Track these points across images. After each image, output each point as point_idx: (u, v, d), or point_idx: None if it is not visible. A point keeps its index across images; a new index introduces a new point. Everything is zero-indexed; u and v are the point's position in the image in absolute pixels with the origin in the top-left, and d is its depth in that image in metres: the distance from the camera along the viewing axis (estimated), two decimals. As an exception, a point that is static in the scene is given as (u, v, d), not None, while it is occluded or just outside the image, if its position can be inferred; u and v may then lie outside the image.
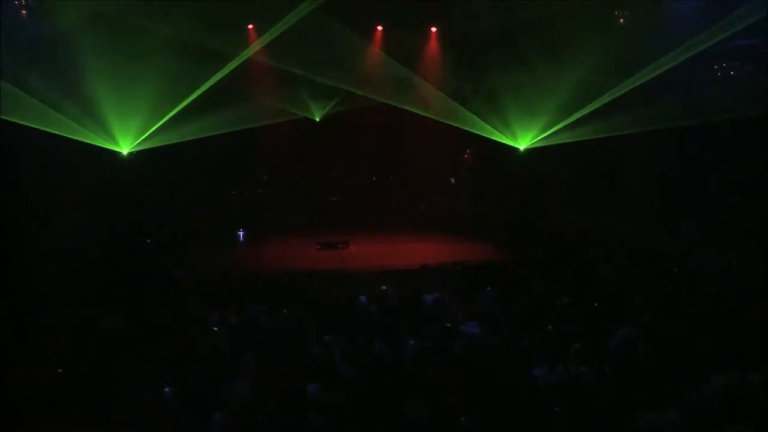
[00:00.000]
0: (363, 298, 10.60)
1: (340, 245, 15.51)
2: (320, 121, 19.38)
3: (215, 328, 8.90)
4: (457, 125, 16.97)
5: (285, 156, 18.53)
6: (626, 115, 14.33)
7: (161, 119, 14.59)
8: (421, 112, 17.40)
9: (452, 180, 18.12)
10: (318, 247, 15.49)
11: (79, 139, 13.64)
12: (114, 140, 14.29)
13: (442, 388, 6.92)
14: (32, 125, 12.75)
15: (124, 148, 14.51)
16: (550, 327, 8.79)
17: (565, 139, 15.17)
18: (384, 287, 11.15)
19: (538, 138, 15.91)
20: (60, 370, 7.78)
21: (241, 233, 16.83)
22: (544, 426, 6.43)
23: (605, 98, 14.43)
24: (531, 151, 16.27)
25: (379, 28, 17.86)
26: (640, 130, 14.02)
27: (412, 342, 8.37)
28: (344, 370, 7.51)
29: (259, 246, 16.10)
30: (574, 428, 6.48)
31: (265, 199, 18.86)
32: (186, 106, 15.25)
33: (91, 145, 13.91)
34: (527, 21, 14.68)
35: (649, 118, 13.87)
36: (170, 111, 14.68)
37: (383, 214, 17.98)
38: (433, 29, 17.99)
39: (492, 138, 16.51)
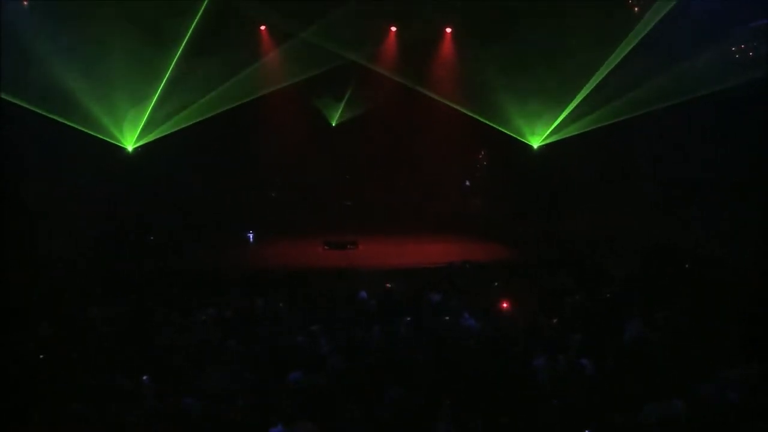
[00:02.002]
0: (363, 293, 10.32)
1: (348, 245, 15.16)
2: (336, 125, 19.26)
3: (204, 318, 8.63)
4: (471, 126, 16.75)
5: (300, 159, 18.38)
6: (634, 104, 13.94)
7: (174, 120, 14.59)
8: (432, 114, 17.35)
9: (467, 182, 17.72)
10: (325, 247, 15.14)
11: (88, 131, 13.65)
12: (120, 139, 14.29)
13: (428, 375, 6.54)
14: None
15: (129, 144, 14.48)
16: (555, 320, 8.32)
17: (579, 129, 14.77)
18: (388, 284, 10.87)
19: (550, 132, 15.53)
20: (41, 356, 7.55)
21: (250, 234, 16.61)
22: (539, 415, 5.97)
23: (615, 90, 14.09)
24: (544, 150, 15.87)
25: (393, 28, 17.73)
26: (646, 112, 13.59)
27: (405, 332, 8.02)
28: (330, 358, 7.18)
29: (269, 245, 15.89)
30: (577, 418, 6.02)
31: (279, 200, 18.69)
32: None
33: (97, 144, 13.87)
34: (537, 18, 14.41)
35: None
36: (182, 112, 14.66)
37: (396, 216, 17.63)
38: (448, 29, 17.80)
39: (507, 136, 16.16)
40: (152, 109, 14.42)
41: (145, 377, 6.78)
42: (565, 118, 15.28)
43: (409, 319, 8.58)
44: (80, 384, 6.84)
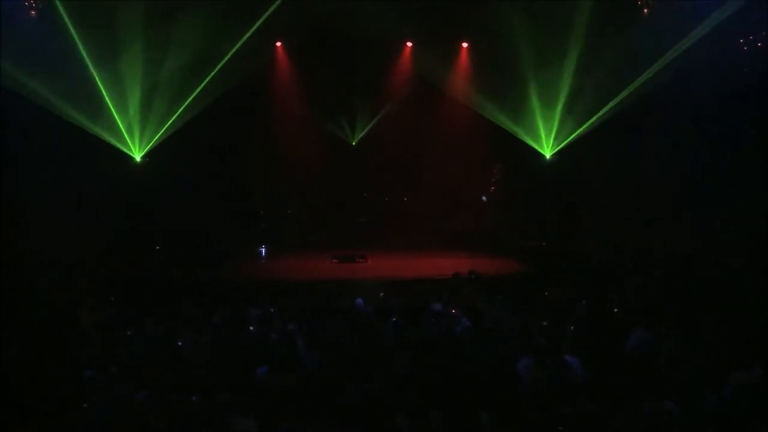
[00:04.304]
0: (360, 300, 10.02)
1: (358, 259, 14.94)
2: (356, 144, 19.19)
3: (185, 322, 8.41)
4: (487, 140, 16.53)
5: (319, 176, 18.32)
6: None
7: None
8: (449, 129, 17.34)
9: (483, 197, 17.35)
10: (334, 260, 14.94)
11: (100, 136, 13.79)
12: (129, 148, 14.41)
13: (400, 372, 6.16)
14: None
15: (137, 154, 14.56)
16: (545, 323, 7.86)
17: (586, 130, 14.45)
18: (381, 293, 10.56)
19: (561, 140, 15.21)
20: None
21: (263, 249, 16.51)
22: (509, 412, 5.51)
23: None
24: (556, 159, 15.49)
25: (409, 44, 17.68)
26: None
27: (390, 334, 7.66)
28: (305, 356, 6.86)
29: (278, 259, 15.74)
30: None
31: (294, 216, 18.61)
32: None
33: (106, 151, 13.96)
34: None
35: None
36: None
37: (410, 232, 17.39)
38: (464, 44, 17.66)
39: (521, 149, 15.86)
40: (164, 117, 14.51)
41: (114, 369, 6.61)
42: (573, 123, 14.98)
43: (394, 319, 8.22)
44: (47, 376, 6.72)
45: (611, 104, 14.18)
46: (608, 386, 6.31)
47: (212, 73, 14.75)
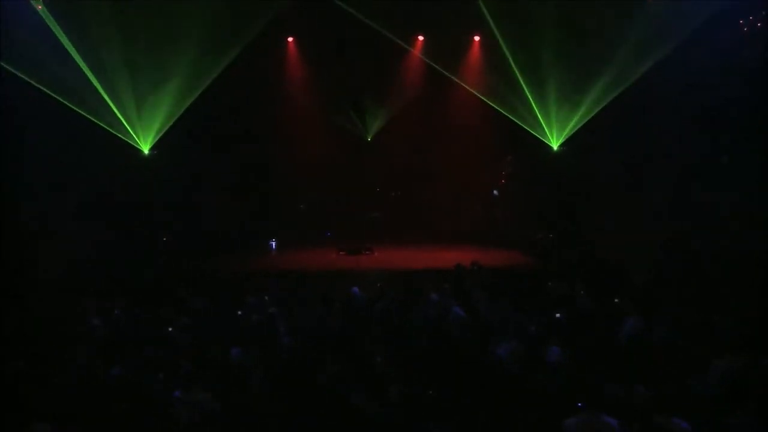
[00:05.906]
0: (356, 289, 10.02)
1: (364, 251, 14.96)
2: (371, 140, 19.15)
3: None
4: (498, 133, 16.38)
5: (333, 172, 18.34)
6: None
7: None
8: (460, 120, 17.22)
9: (495, 192, 17.18)
10: (341, 252, 14.98)
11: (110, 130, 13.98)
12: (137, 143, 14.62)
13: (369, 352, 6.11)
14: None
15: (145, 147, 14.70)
16: (527, 308, 7.73)
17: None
18: (379, 284, 10.52)
19: (568, 130, 15.01)
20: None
21: (273, 242, 16.61)
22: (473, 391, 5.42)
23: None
24: (564, 151, 15.26)
25: (420, 38, 17.59)
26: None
27: (378, 319, 7.63)
28: (283, 338, 6.85)
29: (287, 251, 15.93)
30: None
31: (306, 211, 18.66)
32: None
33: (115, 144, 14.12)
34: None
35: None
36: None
37: (420, 226, 17.29)
38: (476, 38, 17.52)
39: (529, 142, 15.65)
40: (173, 111, 14.59)
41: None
42: (579, 115, 14.76)
43: (380, 306, 8.16)
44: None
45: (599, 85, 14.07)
46: (587, 372, 6.18)
47: (222, 66, 14.75)
